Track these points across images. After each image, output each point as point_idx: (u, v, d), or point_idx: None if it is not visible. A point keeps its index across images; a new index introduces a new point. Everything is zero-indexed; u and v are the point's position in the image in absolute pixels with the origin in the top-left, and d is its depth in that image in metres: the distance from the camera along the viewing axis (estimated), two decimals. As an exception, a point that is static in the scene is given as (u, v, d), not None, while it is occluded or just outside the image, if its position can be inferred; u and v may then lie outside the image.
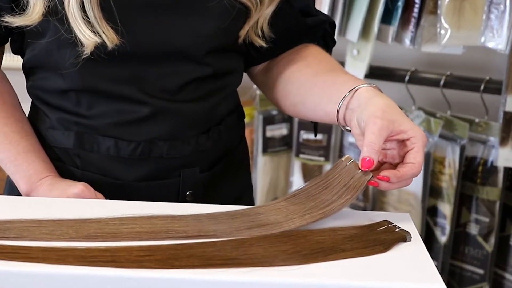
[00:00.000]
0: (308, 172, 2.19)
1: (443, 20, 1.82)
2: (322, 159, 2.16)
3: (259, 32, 1.14)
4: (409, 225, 1.00)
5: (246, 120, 1.28)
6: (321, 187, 1.00)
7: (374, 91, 1.06)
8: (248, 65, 1.23)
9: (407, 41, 1.92)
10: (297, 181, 2.19)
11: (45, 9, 1.05)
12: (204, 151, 1.16)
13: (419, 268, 0.91)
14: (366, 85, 1.07)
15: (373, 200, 2.09)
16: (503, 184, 1.92)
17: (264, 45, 1.15)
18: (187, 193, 1.16)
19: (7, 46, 1.17)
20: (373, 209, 2.07)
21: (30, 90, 1.16)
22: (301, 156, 2.18)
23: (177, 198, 1.15)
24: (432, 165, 1.97)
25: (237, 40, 1.14)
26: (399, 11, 1.91)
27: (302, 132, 2.16)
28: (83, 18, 1.04)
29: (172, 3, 1.08)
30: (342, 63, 1.98)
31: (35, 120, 1.18)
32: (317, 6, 1.24)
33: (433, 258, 1.97)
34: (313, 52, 1.20)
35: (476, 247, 1.97)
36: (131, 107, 1.10)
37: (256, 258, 0.90)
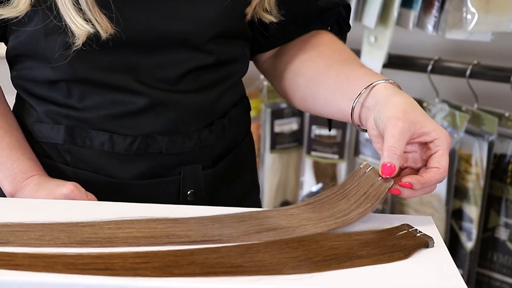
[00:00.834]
0: (321, 171, 2.19)
1: (469, 4, 1.82)
2: (336, 156, 2.16)
3: (267, 6, 1.14)
4: (432, 229, 1.00)
5: (252, 113, 1.29)
6: (338, 196, 1.01)
7: (393, 88, 1.06)
8: (255, 52, 1.23)
9: (429, 26, 1.91)
10: (308, 181, 2.19)
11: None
12: (206, 147, 1.16)
13: (443, 277, 0.91)
14: (384, 81, 1.07)
15: (392, 202, 2.09)
16: (535, 184, 1.92)
17: (274, 20, 1.15)
18: (188, 192, 1.16)
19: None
20: (392, 212, 2.07)
21: (15, 80, 1.16)
22: (313, 153, 2.18)
23: (177, 198, 1.15)
24: (457, 164, 1.96)
25: (244, 19, 1.14)
26: (421, -6, 1.91)
27: (314, 127, 2.16)
28: (74, 5, 1.04)
29: (170, -15, 1.08)
30: (358, 51, 1.98)
31: (20, 113, 1.18)
32: (330, -13, 1.24)
33: (458, 266, 1.97)
34: (326, 41, 1.20)
35: (506, 253, 1.97)
36: (126, 98, 1.11)
37: (263, 266, 0.90)
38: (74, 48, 1.05)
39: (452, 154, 1.95)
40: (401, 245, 0.96)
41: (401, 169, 1.03)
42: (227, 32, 1.14)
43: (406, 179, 1.00)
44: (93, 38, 1.06)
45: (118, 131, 1.12)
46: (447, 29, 1.89)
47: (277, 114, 2.18)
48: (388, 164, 0.99)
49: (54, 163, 1.15)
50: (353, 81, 1.10)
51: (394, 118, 1.01)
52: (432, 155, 1.02)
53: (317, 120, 2.16)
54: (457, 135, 1.95)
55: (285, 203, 2.22)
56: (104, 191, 1.11)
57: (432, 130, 1.02)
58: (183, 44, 1.11)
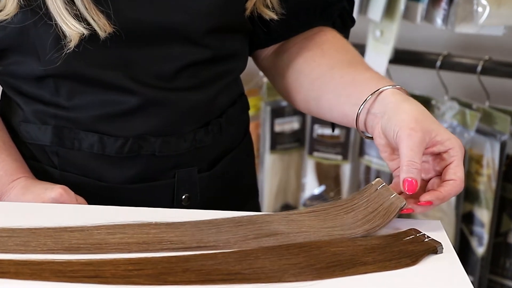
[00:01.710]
0: (323, 173, 2.19)
1: (480, -4, 1.82)
2: (339, 157, 2.16)
3: (269, 3, 1.14)
4: (441, 234, 1.00)
5: (251, 112, 1.28)
6: (345, 209, 1.01)
7: (401, 95, 1.07)
8: (254, 47, 1.23)
9: (438, 20, 1.91)
10: (310, 183, 2.19)
11: (21, 1, 1.05)
12: (202, 148, 1.16)
13: (452, 285, 0.91)
14: (391, 86, 1.08)
15: (399, 205, 2.09)
16: (550, 186, 1.92)
17: (275, 17, 1.15)
18: (183, 197, 1.16)
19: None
20: (399, 216, 2.07)
21: (0, 77, 1.16)
22: (315, 154, 2.18)
23: (171, 203, 1.15)
24: (467, 165, 1.96)
25: (243, 13, 1.14)
26: (430, -15, 1.91)
27: (316, 126, 2.16)
28: (66, 3, 1.03)
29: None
30: (363, 46, 1.98)
31: (5, 112, 1.18)
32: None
33: (468, 273, 1.97)
34: (329, 39, 1.20)
35: (519, 260, 1.97)
36: (118, 97, 1.10)
37: (263, 273, 0.90)
38: (66, 51, 1.05)
39: (462, 154, 1.95)
40: (408, 250, 0.96)
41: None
42: (225, 25, 1.14)
43: (425, 197, 1.01)
44: (86, 40, 1.05)
45: (109, 132, 1.11)
46: (457, 23, 1.89)
47: (277, 112, 2.18)
48: (410, 179, 1.00)
49: (41, 165, 1.14)
50: (358, 85, 1.11)
51: (408, 128, 1.01)
52: (447, 166, 1.03)
53: (319, 119, 2.16)
54: (467, 135, 1.95)
55: (285, 206, 2.22)
56: (93, 196, 1.11)
57: (446, 139, 1.02)
58: (180, 37, 1.10)
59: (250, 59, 1.26)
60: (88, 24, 1.04)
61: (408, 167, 1.00)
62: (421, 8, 1.92)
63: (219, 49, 1.14)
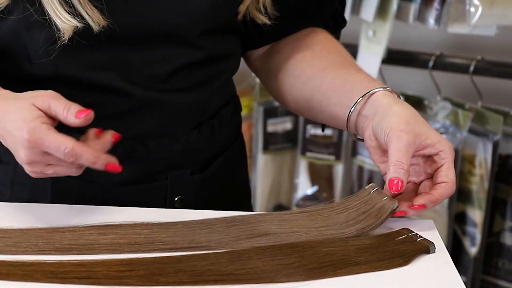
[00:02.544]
0: (316, 173, 2.19)
1: (473, -4, 1.82)
2: (332, 157, 2.16)
3: (261, 7, 1.14)
4: (433, 234, 1.00)
5: (244, 112, 1.29)
6: (336, 210, 1.02)
7: (393, 97, 1.07)
8: (246, 48, 1.23)
9: (431, 20, 1.92)
10: (303, 184, 2.19)
11: None
12: (195, 150, 1.16)
13: (445, 285, 0.91)
14: (382, 88, 1.08)
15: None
16: (543, 186, 1.93)
17: (268, 22, 1.15)
18: (176, 198, 1.16)
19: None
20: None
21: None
22: (308, 154, 2.18)
23: (164, 205, 1.15)
24: (460, 165, 1.97)
25: (236, 17, 1.14)
26: (422, -15, 1.91)
27: (309, 126, 2.16)
28: None
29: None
30: (356, 46, 1.98)
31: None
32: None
33: (461, 273, 1.97)
34: (321, 40, 1.20)
35: (512, 259, 1.97)
36: (111, 98, 1.10)
37: (255, 273, 0.90)
38: (60, 43, 1.04)
39: (455, 154, 1.95)
40: (401, 250, 0.96)
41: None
42: (220, 26, 1.14)
43: (418, 201, 1.01)
44: (80, 33, 1.05)
45: None
46: (449, 23, 1.90)
47: (270, 112, 2.18)
48: (396, 180, 1.00)
49: None
50: (349, 87, 1.11)
51: (398, 130, 1.02)
52: (438, 168, 1.03)
53: (312, 119, 2.16)
54: (460, 135, 1.95)
55: (278, 207, 2.22)
56: (85, 198, 1.10)
57: (437, 142, 1.03)
58: (174, 38, 1.10)
59: (242, 60, 1.26)
60: (82, 18, 1.04)
61: (395, 167, 1.00)
62: (413, 8, 1.92)
63: (212, 50, 1.14)
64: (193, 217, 1.01)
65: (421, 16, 1.93)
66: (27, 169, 0.98)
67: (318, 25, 1.22)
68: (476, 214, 1.97)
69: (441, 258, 0.96)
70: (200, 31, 1.11)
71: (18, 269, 0.87)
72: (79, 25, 1.03)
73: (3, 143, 1.00)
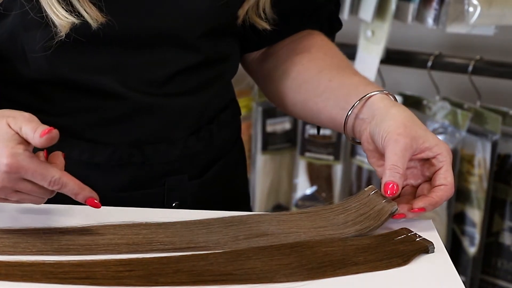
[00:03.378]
0: (315, 173, 2.19)
1: (471, -4, 1.82)
2: (331, 158, 2.16)
3: (261, 13, 1.14)
4: (432, 233, 1.00)
5: (243, 112, 1.28)
6: (335, 212, 1.02)
7: (390, 101, 1.08)
8: (243, 51, 1.23)
9: (429, 20, 1.92)
10: (302, 184, 2.19)
11: None
12: (193, 155, 1.15)
13: (444, 285, 0.91)
14: (379, 92, 1.09)
15: (391, 205, 2.09)
16: (541, 186, 1.93)
17: (268, 27, 1.15)
18: (173, 204, 1.15)
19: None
20: (391, 216, 2.07)
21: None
22: (307, 154, 2.18)
23: None
24: (459, 165, 1.97)
25: (235, 20, 1.14)
26: (421, -15, 1.91)
27: (307, 126, 2.16)
28: None
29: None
30: (354, 46, 1.98)
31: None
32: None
33: (460, 273, 1.97)
34: (318, 42, 1.20)
35: (511, 259, 1.97)
36: (108, 102, 1.10)
37: (254, 274, 0.90)
38: (57, 39, 1.04)
39: (453, 154, 1.94)
40: (400, 250, 0.96)
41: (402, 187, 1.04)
42: (218, 29, 1.13)
43: (418, 204, 1.01)
44: (78, 30, 1.04)
45: (99, 139, 1.10)
46: (448, 23, 1.90)
47: (269, 113, 2.18)
48: (391, 184, 1.00)
49: None
50: (346, 90, 1.11)
51: (395, 134, 1.02)
52: (436, 171, 1.03)
53: (311, 119, 2.16)
54: (458, 135, 1.95)
55: (277, 207, 2.22)
56: (82, 205, 1.10)
57: (434, 145, 1.03)
58: (173, 41, 1.10)
59: (241, 61, 1.26)
60: (80, 15, 1.03)
61: (391, 171, 1.01)
62: (412, 8, 1.92)
63: (211, 53, 1.14)
64: (192, 217, 1.01)
65: (419, 16, 1.94)
66: None
67: (314, 27, 1.22)
68: (475, 214, 1.97)
69: (440, 258, 0.96)
70: (199, 33, 1.11)
71: (17, 270, 0.87)
72: (76, 21, 1.03)
73: None
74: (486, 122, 1.94)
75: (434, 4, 1.91)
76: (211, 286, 0.88)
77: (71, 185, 0.95)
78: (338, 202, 1.03)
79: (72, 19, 1.02)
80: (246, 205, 1.29)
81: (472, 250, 1.98)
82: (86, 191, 0.97)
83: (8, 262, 0.89)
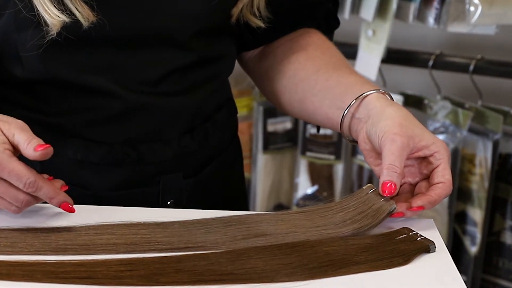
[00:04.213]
0: (316, 173, 2.19)
1: (472, -5, 1.82)
2: (332, 157, 2.16)
3: (256, 11, 1.14)
4: (434, 233, 1.00)
5: (244, 112, 1.28)
6: (333, 210, 1.02)
7: (386, 100, 1.08)
8: (239, 49, 1.23)
9: (430, 19, 1.92)
10: (303, 183, 2.19)
11: None
12: (187, 154, 1.15)
13: (445, 284, 0.91)
14: (375, 91, 1.09)
15: (392, 204, 2.09)
16: (543, 185, 1.93)
17: (262, 25, 1.15)
18: (168, 202, 1.15)
19: None
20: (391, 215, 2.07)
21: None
22: (308, 154, 2.18)
23: None
24: (460, 164, 1.97)
25: (229, 19, 1.14)
26: (422, -16, 1.91)
27: (308, 126, 2.15)
28: None
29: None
30: (355, 46, 1.98)
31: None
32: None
33: (461, 272, 1.97)
34: (314, 41, 1.20)
35: (512, 259, 1.97)
36: (102, 102, 1.09)
37: (255, 273, 0.90)
38: (48, 38, 1.04)
39: (454, 154, 1.95)
40: (401, 250, 0.96)
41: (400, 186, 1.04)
42: (213, 28, 1.13)
43: (417, 203, 1.01)
44: (71, 31, 1.04)
45: (93, 138, 1.10)
46: (449, 22, 1.90)
47: (270, 112, 2.18)
48: (389, 184, 1.00)
49: None
50: (342, 89, 1.11)
51: (391, 133, 1.02)
52: (434, 169, 1.03)
53: (312, 118, 2.15)
54: (460, 134, 1.95)
55: (278, 206, 2.22)
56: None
57: (432, 143, 1.03)
58: (166, 40, 1.10)
59: (239, 61, 1.26)
60: (72, 14, 1.03)
61: (388, 170, 1.01)
62: (413, 7, 1.92)
63: (205, 52, 1.13)
64: (190, 217, 1.01)
65: (420, 16, 1.93)
66: None
67: (312, 25, 1.22)
68: (476, 213, 1.97)
69: (441, 257, 0.96)
70: (192, 33, 1.11)
71: (18, 269, 0.87)
72: (67, 20, 1.02)
73: None
74: (487, 122, 1.94)
75: (435, 4, 1.91)
76: (212, 286, 0.88)
77: (46, 188, 0.96)
78: (336, 201, 1.03)
79: (63, 17, 1.02)
80: (243, 204, 1.29)
81: (473, 249, 1.98)
82: (60, 196, 0.98)
83: (9, 262, 0.89)
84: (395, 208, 1.00)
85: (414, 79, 2.12)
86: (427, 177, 1.05)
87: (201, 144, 1.16)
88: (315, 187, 2.19)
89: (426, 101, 2.00)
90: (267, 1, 1.15)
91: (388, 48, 1.96)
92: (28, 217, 0.99)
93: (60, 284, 0.86)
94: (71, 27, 1.04)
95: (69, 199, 0.99)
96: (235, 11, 1.13)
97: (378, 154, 1.05)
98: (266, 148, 2.19)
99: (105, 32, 1.05)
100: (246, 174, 1.89)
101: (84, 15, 1.03)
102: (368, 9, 1.95)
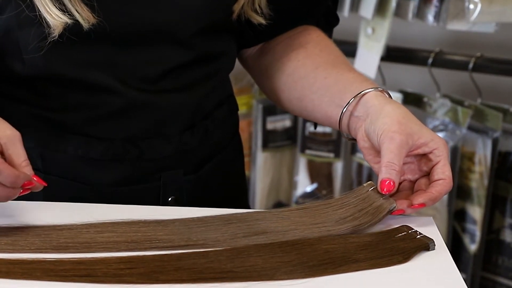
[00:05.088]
0: (316, 171, 2.19)
1: (472, -7, 1.82)
2: (331, 155, 2.16)
3: (257, 7, 1.14)
4: (433, 231, 1.00)
5: (243, 110, 1.28)
6: (334, 207, 1.02)
7: (384, 98, 1.08)
8: (239, 46, 1.23)
9: (430, 17, 1.92)
10: (302, 181, 2.19)
11: None
12: (188, 151, 1.15)
13: (445, 282, 0.91)
14: (373, 89, 1.09)
15: (391, 202, 2.09)
16: (542, 183, 1.93)
17: (263, 21, 1.15)
18: (169, 199, 1.15)
19: None
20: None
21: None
22: (307, 152, 2.18)
23: (157, 205, 1.14)
24: (459, 162, 1.97)
25: (230, 16, 1.14)
26: (421, -18, 1.91)
27: (308, 124, 2.16)
28: None
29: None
30: (355, 44, 1.98)
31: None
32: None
33: (461, 270, 1.97)
34: (314, 38, 1.20)
35: (511, 257, 1.97)
36: (103, 98, 1.09)
37: (255, 271, 0.90)
38: (50, 40, 1.04)
39: (454, 152, 1.95)
40: (400, 248, 0.96)
41: (399, 183, 1.04)
42: (213, 25, 1.13)
43: (418, 200, 1.01)
44: (70, 30, 1.04)
45: (94, 134, 1.10)
46: (448, 20, 1.90)
47: (269, 110, 2.18)
48: (387, 181, 1.01)
49: None
50: (341, 86, 1.12)
51: (390, 131, 1.02)
52: (434, 166, 1.04)
53: (311, 116, 2.15)
54: (459, 132, 1.95)
55: (278, 204, 2.22)
56: (77, 199, 1.10)
57: (430, 140, 1.03)
58: (167, 38, 1.10)
59: (239, 58, 1.26)
60: (72, 15, 1.03)
61: (387, 168, 1.01)
62: (412, 5, 1.92)
63: (206, 50, 1.13)
64: (191, 214, 1.01)
65: (420, 13, 1.93)
66: None
67: (311, 23, 1.22)
68: (475, 211, 1.97)
69: (440, 255, 0.96)
70: (193, 30, 1.11)
71: (17, 267, 0.87)
72: (69, 21, 1.03)
73: None
74: (486, 119, 1.94)
75: (435, 1, 1.91)
76: (211, 284, 0.88)
77: (7, 171, 0.93)
78: (336, 197, 1.03)
79: (65, 19, 1.03)
80: (243, 201, 1.29)
81: (472, 247, 1.98)
82: (20, 177, 0.94)
83: (9, 260, 0.89)
84: (395, 206, 1.00)
85: (414, 77, 2.12)
86: (427, 174, 1.05)
87: (202, 140, 1.16)
88: (315, 185, 2.19)
89: (425, 99, 2.00)
90: None
91: (388, 46, 1.97)
92: (28, 216, 0.99)
93: (60, 282, 0.86)
94: (73, 27, 1.04)
95: (29, 176, 0.94)
96: (236, 7, 1.13)
97: (377, 152, 1.05)
98: (265, 146, 2.19)
99: (105, 31, 1.05)
100: (246, 172, 1.89)
101: (84, 17, 1.04)
102: (368, 6, 1.95)
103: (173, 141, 1.13)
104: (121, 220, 0.98)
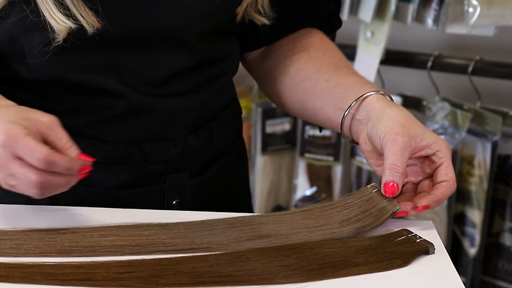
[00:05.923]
0: (315, 174, 2.19)
1: (471, -4, 1.82)
2: (331, 158, 2.17)
3: (260, 8, 1.15)
4: (433, 234, 1.01)
5: (242, 113, 1.28)
6: (337, 208, 1.02)
7: (386, 101, 1.08)
8: (242, 50, 1.23)
9: (429, 21, 1.92)
10: (301, 185, 2.19)
11: None
12: (192, 154, 1.15)
13: (444, 285, 0.91)
14: (375, 92, 1.09)
15: (391, 206, 2.09)
16: (542, 187, 1.93)
17: (267, 22, 1.16)
18: (174, 202, 1.15)
19: None
20: (391, 217, 2.07)
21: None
22: (307, 155, 2.18)
23: (162, 208, 1.14)
24: (459, 165, 1.97)
25: (234, 18, 1.14)
26: (420, -14, 1.91)
27: (307, 127, 2.16)
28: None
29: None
30: (354, 47, 1.98)
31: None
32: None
33: (460, 273, 1.97)
34: (316, 41, 1.20)
35: (511, 260, 1.97)
36: (107, 102, 1.10)
37: (254, 275, 0.90)
38: (55, 44, 1.04)
39: (453, 155, 1.95)
40: (400, 251, 0.96)
41: (402, 185, 1.04)
42: (217, 28, 1.13)
43: (422, 202, 1.02)
44: (75, 35, 1.05)
45: (98, 137, 1.11)
46: (447, 23, 1.90)
47: (268, 113, 2.18)
48: (391, 183, 1.01)
49: None
50: (343, 89, 1.12)
51: (393, 134, 1.03)
52: (437, 168, 1.04)
53: (311, 120, 2.16)
54: (458, 135, 1.95)
55: (277, 208, 2.22)
56: (82, 202, 1.10)
57: (433, 142, 1.04)
58: (171, 41, 1.10)
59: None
60: (76, 20, 1.04)
61: (390, 170, 1.01)
62: (412, 8, 1.93)
63: (210, 53, 1.14)
64: (195, 218, 1.01)
65: (419, 17, 1.94)
66: None
67: (314, 25, 1.23)
68: (475, 215, 1.97)
69: (440, 259, 0.96)
70: (198, 33, 1.11)
71: (17, 271, 0.87)
72: (73, 26, 1.03)
73: None
74: (486, 123, 1.94)
75: (434, 5, 1.91)
76: (211, 288, 0.88)
77: (62, 162, 0.94)
78: (339, 198, 1.03)
79: (69, 23, 1.03)
80: (247, 204, 1.29)
81: (472, 251, 1.98)
82: (76, 164, 0.95)
83: (8, 263, 0.89)
84: (399, 209, 1.00)
85: (413, 80, 2.12)
86: (430, 176, 1.05)
87: (206, 143, 1.17)
88: (314, 189, 2.19)
89: (424, 103, 2.00)
90: (272, 1, 1.15)
91: (387, 49, 1.97)
92: (32, 219, 0.99)
93: (59, 286, 0.86)
94: (77, 32, 1.04)
95: (86, 160, 0.96)
96: (240, 9, 1.14)
97: (380, 155, 1.06)
98: (264, 149, 2.19)
99: (110, 35, 1.06)
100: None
101: (89, 21, 1.04)
102: (367, 10, 1.95)
103: (178, 144, 1.14)
104: (125, 224, 0.98)
